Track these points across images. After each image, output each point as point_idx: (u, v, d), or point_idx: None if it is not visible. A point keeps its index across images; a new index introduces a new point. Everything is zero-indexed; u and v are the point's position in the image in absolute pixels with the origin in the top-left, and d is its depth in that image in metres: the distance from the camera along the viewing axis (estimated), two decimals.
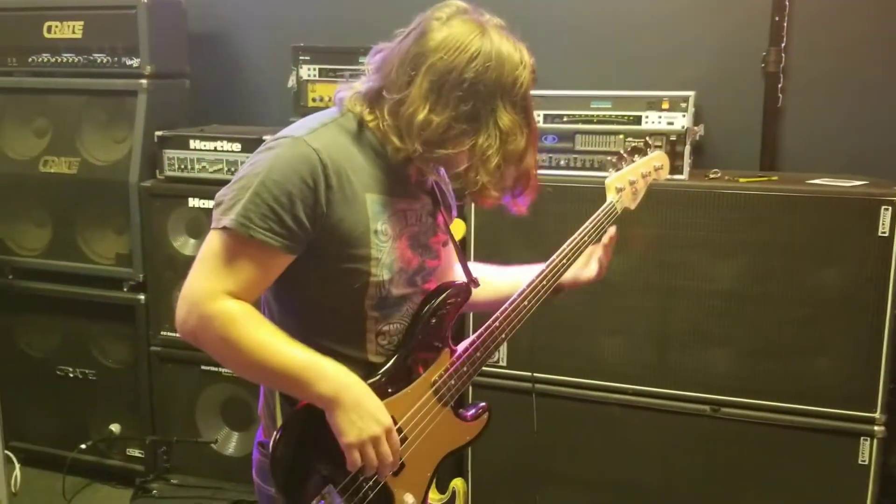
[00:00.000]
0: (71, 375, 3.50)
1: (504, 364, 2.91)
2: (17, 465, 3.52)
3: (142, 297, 3.31)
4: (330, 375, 1.47)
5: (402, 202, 1.60)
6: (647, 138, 2.05)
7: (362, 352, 1.58)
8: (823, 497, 2.63)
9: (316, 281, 1.54)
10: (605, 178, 1.92)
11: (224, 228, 1.45)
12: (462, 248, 2.88)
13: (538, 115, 2.77)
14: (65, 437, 3.50)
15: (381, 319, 1.59)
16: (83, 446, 3.40)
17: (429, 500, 1.71)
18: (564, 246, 1.81)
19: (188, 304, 1.47)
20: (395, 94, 1.51)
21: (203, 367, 3.30)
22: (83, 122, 3.33)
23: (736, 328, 2.66)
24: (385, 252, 1.55)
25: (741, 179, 2.70)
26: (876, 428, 2.56)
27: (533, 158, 1.60)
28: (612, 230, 1.86)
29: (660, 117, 2.68)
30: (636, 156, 1.96)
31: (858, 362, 2.56)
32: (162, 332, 3.31)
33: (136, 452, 3.46)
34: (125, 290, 3.33)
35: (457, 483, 2.99)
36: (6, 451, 3.56)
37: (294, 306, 1.59)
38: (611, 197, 1.90)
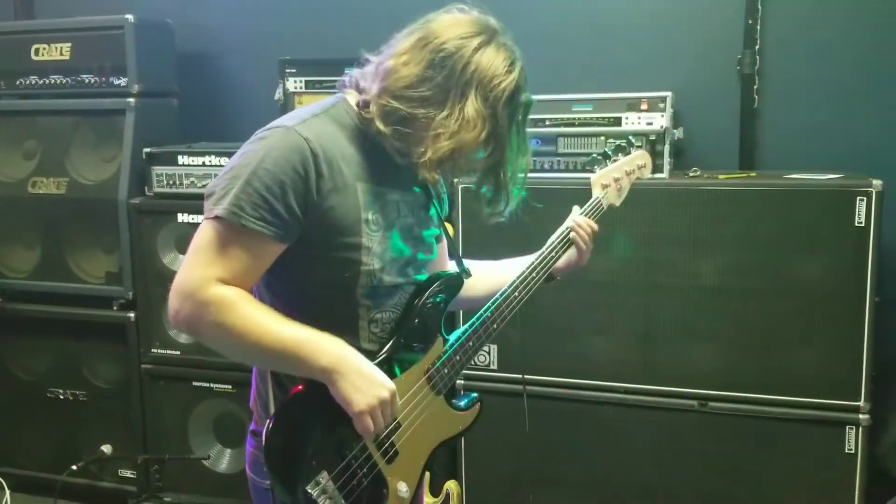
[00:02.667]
0: (62, 397, 3.48)
1: (495, 367, 2.93)
2: (8, 492, 3.48)
3: (132, 314, 3.31)
4: (328, 348, 1.48)
5: (394, 193, 1.62)
6: (631, 137, 2.12)
7: (355, 339, 1.59)
8: (813, 486, 2.66)
9: (308, 270, 1.55)
10: (588, 179, 1.98)
11: (216, 218, 1.46)
12: None
13: None
14: (56, 460, 3.47)
15: (373, 308, 1.60)
16: (74, 467, 3.36)
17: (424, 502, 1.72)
18: (553, 238, 1.86)
19: (182, 294, 1.47)
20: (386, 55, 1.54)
21: (195, 384, 3.30)
22: (72, 142, 3.36)
23: (721, 323, 2.70)
24: (376, 241, 1.56)
25: (720, 176, 2.76)
26: (861, 416, 2.60)
27: (513, 166, 1.61)
28: (594, 225, 1.90)
29: (639, 118, 2.75)
30: (620, 154, 2.01)
31: (842, 352, 2.60)
32: (153, 350, 3.31)
33: (128, 473, 3.44)
34: (115, 308, 3.33)
35: (450, 485, 3.02)
36: None
37: (286, 295, 1.60)
38: (597, 193, 1.96)
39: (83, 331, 3.40)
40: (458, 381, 2.84)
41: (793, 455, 2.67)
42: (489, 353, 2.91)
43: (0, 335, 3.52)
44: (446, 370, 1.67)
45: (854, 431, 2.60)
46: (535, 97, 2.71)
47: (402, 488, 1.61)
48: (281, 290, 1.61)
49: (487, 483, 3.00)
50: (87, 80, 3.31)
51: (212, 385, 3.27)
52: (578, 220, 1.88)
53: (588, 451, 2.87)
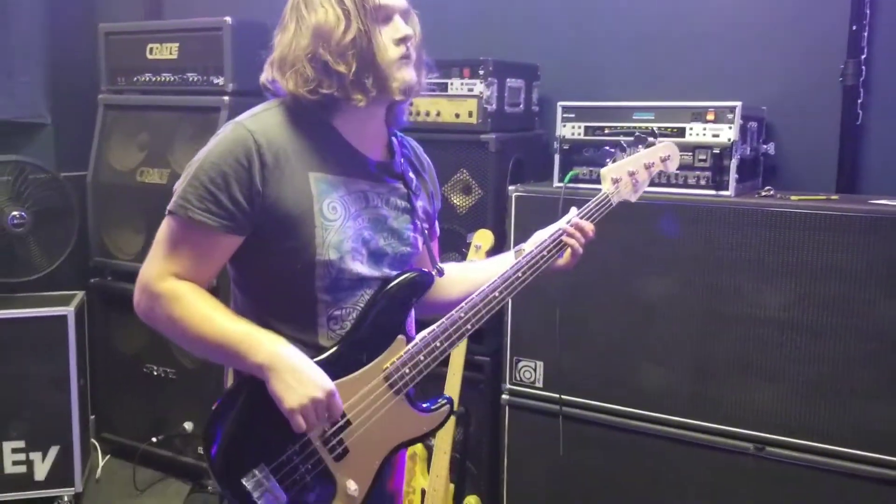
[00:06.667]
0: (155, 373, 3.68)
1: (540, 385, 2.79)
2: (101, 455, 3.79)
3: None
4: (265, 345, 1.49)
5: (362, 182, 1.61)
6: (654, 128, 1.93)
7: (314, 336, 1.58)
8: None
9: (265, 263, 1.57)
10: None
11: (169, 213, 1.54)
12: None
13: (579, 127, 2.70)
14: (147, 431, 3.68)
15: (332, 304, 1.58)
16: (154, 440, 3.59)
17: None
18: (547, 238, 1.74)
19: (139, 287, 1.56)
20: None
21: None
22: (175, 136, 3.56)
23: (786, 361, 2.42)
24: (332, 231, 1.55)
25: (793, 197, 2.47)
26: None
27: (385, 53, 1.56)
28: (589, 226, 1.77)
29: (704, 129, 2.51)
30: (639, 145, 1.84)
31: None
32: None
33: None
34: None
35: (470, 500, 2.90)
36: (94, 440, 3.84)
37: (251, 291, 1.63)
38: (605, 188, 1.82)
39: None
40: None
41: None
42: (535, 370, 2.78)
43: (108, 311, 3.79)
44: (407, 370, 1.61)
45: None
46: (594, 104, 2.55)
47: (352, 486, 1.58)
48: (246, 287, 1.64)
49: (528, 502, 2.86)
50: (191, 79, 3.50)
51: None
52: (577, 223, 1.75)
53: (631, 481, 2.67)
